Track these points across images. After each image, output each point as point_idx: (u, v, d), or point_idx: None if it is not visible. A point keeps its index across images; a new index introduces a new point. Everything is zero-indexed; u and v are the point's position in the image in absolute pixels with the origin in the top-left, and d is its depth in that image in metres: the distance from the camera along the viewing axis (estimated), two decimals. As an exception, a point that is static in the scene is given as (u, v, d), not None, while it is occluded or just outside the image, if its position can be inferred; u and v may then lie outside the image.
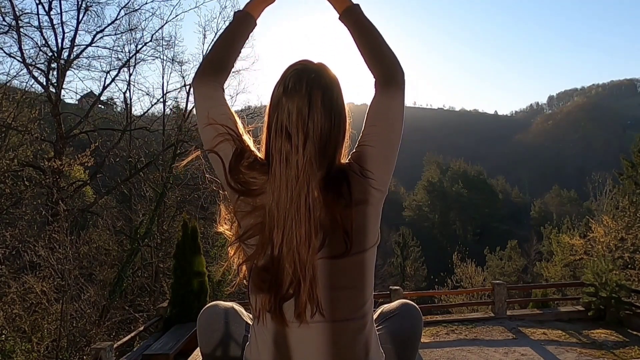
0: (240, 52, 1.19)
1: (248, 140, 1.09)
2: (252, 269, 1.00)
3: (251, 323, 1.16)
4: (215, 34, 16.49)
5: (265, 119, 1.06)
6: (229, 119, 1.08)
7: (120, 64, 15.54)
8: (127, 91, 15.91)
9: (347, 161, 1.07)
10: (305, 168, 0.96)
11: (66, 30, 14.52)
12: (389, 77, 1.09)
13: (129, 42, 15.75)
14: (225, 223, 1.06)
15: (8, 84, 12.85)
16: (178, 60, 16.64)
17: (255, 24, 1.21)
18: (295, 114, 0.98)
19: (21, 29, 13.14)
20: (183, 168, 1.18)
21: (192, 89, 1.15)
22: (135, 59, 15.68)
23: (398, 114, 1.07)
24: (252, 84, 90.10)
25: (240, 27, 1.18)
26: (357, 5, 1.17)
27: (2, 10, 12.68)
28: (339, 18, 1.19)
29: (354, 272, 1.01)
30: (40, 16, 13.84)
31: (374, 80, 1.10)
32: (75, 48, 14.77)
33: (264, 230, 0.97)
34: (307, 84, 1.00)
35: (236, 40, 1.18)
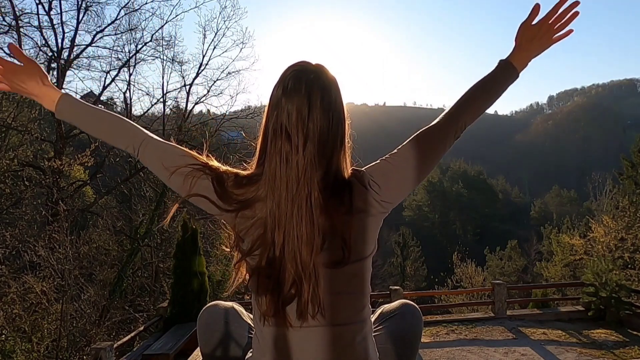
0: (99, 120, 1.14)
1: (214, 162, 1.08)
2: (257, 273, 1.00)
3: (251, 323, 1.16)
4: (215, 34, 16.52)
5: (264, 119, 1.05)
6: (185, 156, 1.07)
7: (120, 64, 15.54)
8: (127, 91, 15.92)
9: (356, 168, 1.07)
10: (306, 168, 0.97)
11: (66, 30, 14.52)
12: (460, 121, 1.10)
13: (129, 42, 15.74)
14: (231, 244, 1.05)
15: (8, 84, 12.83)
16: (178, 60, 16.57)
17: (70, 98, 1.16)
18: (295, 115, 0.98)
19: (21, 29, 13.14)
20: (168, 223, 1.17)
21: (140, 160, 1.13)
22: (135, 59, 15.69)
23: (441, 150, 1.08)
24: (252, 84, 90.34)
25: (75, 116, 1.15)
26: (517, 75, 1.17)
27: (2, 10, 12.69)
28: (503, 61, 1.17)
29: (353, 278, 1.02)
30: (40, 16, 13.86)
31: (446, 112, 1.12)
32: (75, 48, 14.78)
33: (266, 233, 0.98)
34: (306, 85, 1.00)
35: (91, 121, 1.15)
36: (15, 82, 1.14)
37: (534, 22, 1.14)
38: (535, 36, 1.14)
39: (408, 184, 1.06)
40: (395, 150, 1.08)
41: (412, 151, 1.06)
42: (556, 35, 1.16)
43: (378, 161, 1.08)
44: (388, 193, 1.04)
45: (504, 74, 1.15)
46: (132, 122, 1.15)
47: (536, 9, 1.12)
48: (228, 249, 1.05)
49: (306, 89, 0.99)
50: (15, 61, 1.15)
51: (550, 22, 1.14)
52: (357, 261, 1.00)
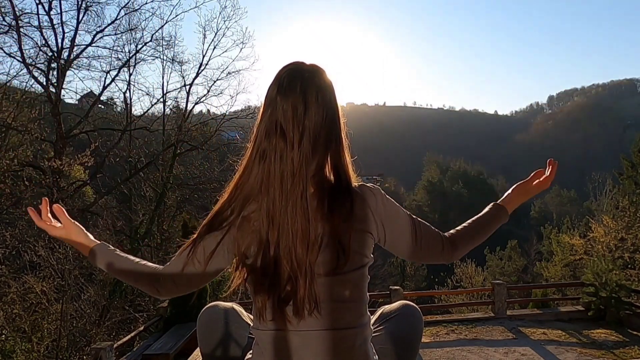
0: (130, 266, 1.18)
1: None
2: (253, 273, 1.00)
3: (251, 323, 1.16)
4: (215, 34, 16.51)
5: (258, 118, 1.05)
6: (182, 251, 1.08)
7: (120, 64, 15.57)
8: (127, 91, 15.97)
9: (374, 185, 1.09)
10: (301, 164, 0.96)
11: (66, 30, 14.50)
12: (453, 252, 1.18)
13: (129, 42, 15.75)
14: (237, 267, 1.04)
15: (8, 84, 12.82)
16: (178, 60, 16.59)
17: (100, 249, 1.23)
18: (291, 112, 0.98)
19: (21, 29, 13.12)
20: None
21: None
22: (135, 59, 15.72)
23: (432, 257, 1.17)
24: (252, 84, 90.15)
25: (104, 265, 1.21)
26: (508, 219, 1.30)
27: (2, 10, 12.67)
28: (499, 206, 1.28)
29: (351, 286, 1.02)
30: (40, 16, 13.84)
31: (449, 238, 1.18)
32: (75, 48, 14.77)
33: (262, 233, 0.97)
34: (301, 83, 1.00)
35: (118, 270, 1.20)
36: (52, 234, 1.22)
37: (534, 183, 1.32)
38: (533, 192, 1.33)
39: (402, 242, 1.10)
40: (417, 220, 1.14)
41: (418, 228, 1.12)
42: (542, 188, 1.35)
43: (402, 209, 1.12)
44: (388, 223, 1.06)
45: (500, 218, 1.27)
46: (149, 263, 1.18)
47: (539, 174, 1.32)
48: (237, 276, 1.03)
49: (301, 88, 1.00)
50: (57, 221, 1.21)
51: (545, 181, 1.32)
52: (355, 269, 1.01)
